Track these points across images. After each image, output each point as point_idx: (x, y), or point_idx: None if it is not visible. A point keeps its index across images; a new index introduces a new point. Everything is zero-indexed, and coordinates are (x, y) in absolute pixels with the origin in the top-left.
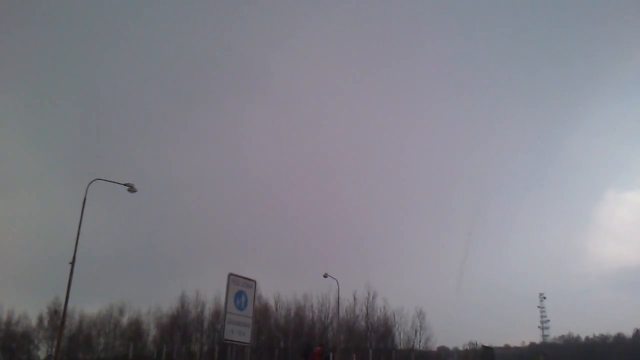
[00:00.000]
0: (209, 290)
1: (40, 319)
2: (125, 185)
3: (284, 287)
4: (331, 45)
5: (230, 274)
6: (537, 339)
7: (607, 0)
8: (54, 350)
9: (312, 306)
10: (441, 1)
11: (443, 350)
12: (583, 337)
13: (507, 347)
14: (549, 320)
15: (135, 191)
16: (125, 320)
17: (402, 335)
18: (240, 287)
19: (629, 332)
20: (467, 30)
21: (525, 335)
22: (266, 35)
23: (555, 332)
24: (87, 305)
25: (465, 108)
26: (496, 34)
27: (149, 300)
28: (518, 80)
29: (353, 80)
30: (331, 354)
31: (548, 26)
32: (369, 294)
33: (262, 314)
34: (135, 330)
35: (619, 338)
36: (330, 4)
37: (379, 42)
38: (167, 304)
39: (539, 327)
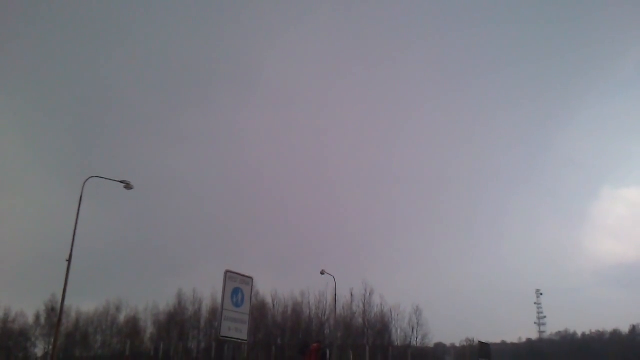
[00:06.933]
0: (205, 288)
1: (37, 317)
2: (121, 182)
3: (281, 284)
4: (325, 44)
5: (227, 271)
6: (534, 335)
7: None
8: (51, 347)
9: (309, 303)
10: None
11: (440, 347)
12: (579, 333)
13: (503, 344)
14: (545, 317)
15: (131, 188)
16: (122, 318)
17: (399, 332)
18: (237, 284)
19: (625, 329)
20: (460, 27)
21: (521, 331)
22: (260, 35)
23: (552, 328)
24: (84, 303)
25: (459, 105)
26: (489, 30)
27: (146, 298)
28: (512, 76)
29: (347, 78)
30: (328, 351)
31: (542, 22)
32: (366, 290)
33: (259, 311)
34: (132, 327)
35: (615, 334)
36: (323, 2)
37: (370, 41)
38: (164, 301)
39: (535, 323)
